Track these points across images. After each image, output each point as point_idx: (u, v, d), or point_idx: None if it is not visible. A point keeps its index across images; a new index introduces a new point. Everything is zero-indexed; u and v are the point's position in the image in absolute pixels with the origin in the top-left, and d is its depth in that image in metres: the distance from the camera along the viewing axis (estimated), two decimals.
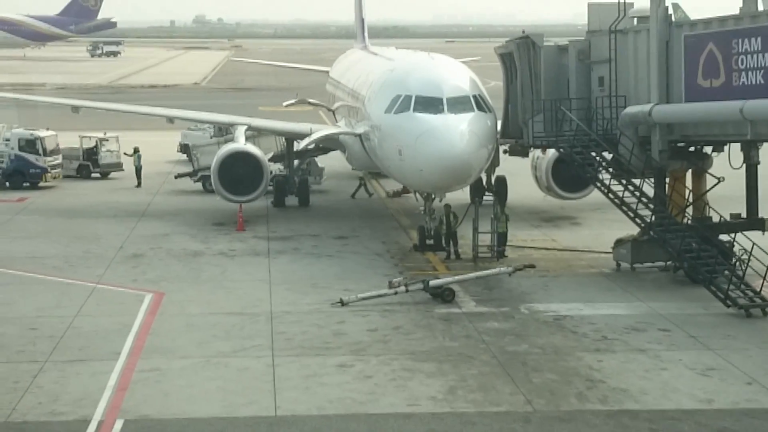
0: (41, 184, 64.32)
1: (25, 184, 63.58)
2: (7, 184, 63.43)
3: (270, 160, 55.91)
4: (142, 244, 48.37)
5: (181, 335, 34.61)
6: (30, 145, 63.89)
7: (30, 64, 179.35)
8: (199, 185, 62.29)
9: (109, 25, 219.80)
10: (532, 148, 48.80)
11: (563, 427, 26.67)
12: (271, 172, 54.54)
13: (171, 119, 73.15)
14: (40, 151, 63.96)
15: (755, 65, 38.02)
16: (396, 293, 38.63)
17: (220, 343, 33.81)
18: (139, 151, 67.90)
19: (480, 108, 44.32)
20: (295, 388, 29.48)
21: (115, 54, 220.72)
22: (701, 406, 28.22)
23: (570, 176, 49.62)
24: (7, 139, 65.05)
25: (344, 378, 30.31)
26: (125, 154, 70.20)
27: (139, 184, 67.01)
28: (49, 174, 64.39)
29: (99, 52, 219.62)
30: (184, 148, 68.81)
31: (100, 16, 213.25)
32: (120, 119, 77.13)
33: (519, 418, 27.37)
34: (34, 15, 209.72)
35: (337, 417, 27.39)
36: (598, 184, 44.49)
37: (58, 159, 66.27)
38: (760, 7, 39.22)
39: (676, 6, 41.89)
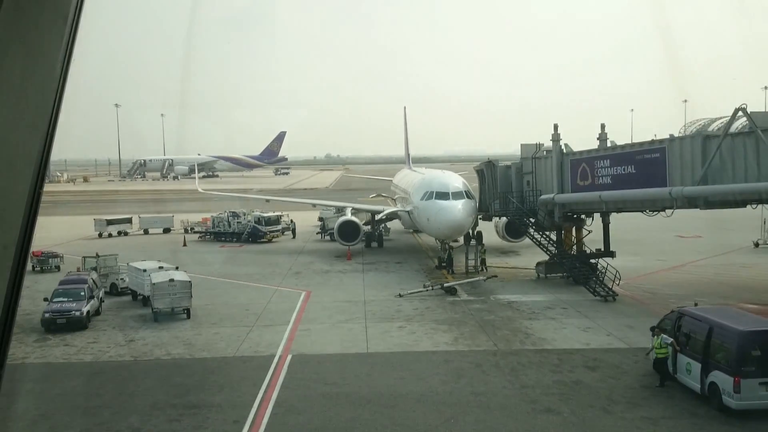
0: (273, 240, 63.20)
1: (258, 241, 62.20)
2: (250, 239, 62.07)
3: (364, 224, 56.19)
4: (300, 268, 48.47)
5: (319, 312, 34.60)
6: (258, 221, 62.97)
7: (244, 179, 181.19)
8: (327, 238, 62.35)
9: (284, 159, 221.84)
10: (494, 217, 48.73)
11: (513, 358, 26.48)
12: (363, 231, 54.79)
13: (314, 205, 74.08)
14: (263, 223, 62.78)
15: (606, 174, 37.88)
16: (428, 290, 38.51)
17: (339, 315, 33.77)
18: (293, 221, 67.51)
19: (468, 197, 44.29)
20: (377, 338, 29.50)
21: (286, 174, 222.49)
22: (584, 347, 27.94)
23: (514, 230, 49.44)
24: (242, 217, 63.99)
25: (401, 333, 30.25)
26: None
27: (294, 237, 65.86)
28: (268, 236, 62.62)
29: (279, 173, 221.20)
30: (320, 219, 69.05)
31: (280, 155, 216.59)
32: (289, 206, 77.75)
33: (490, 353, 27.21)
34: (246, 154, 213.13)
35: (399, 353, 27.41)
36: (529, 234, 44.31)
37: (277, 228, 64.28)
38: (609, 144, 39.19)
39: (566, 145, 41.91)
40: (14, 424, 20.37)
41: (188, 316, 33.74)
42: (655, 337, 23.57)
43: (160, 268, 36.66)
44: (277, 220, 64.95)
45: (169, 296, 33.29)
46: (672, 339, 23.06)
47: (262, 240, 62.19)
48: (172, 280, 33.75)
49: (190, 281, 34.34)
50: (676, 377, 23.03)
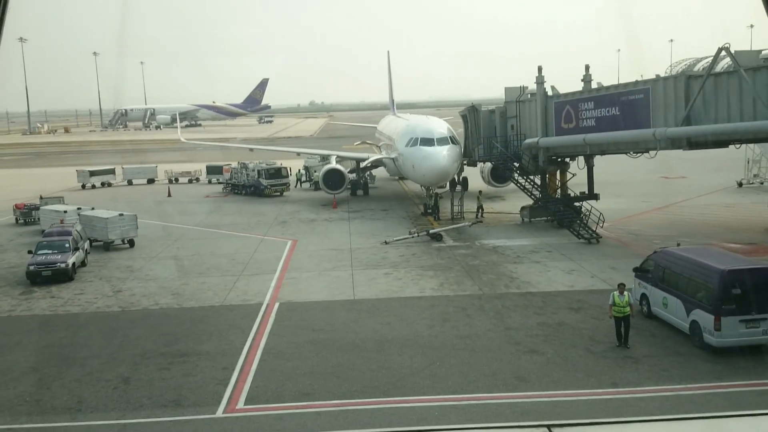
0: (285, 193, 58.71)
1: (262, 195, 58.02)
2: (255, 193, 58.23)
3: (349, 172, 55.88)
4: (286, 216, 48.46)
5: (306, 261, 34.77)
6: (259, 173, 58.61)
7: (227, 128, 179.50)
8: (313, 187, 61.92)
9: (267, 107, 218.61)
10: (478, 162, 48.67)
11: (498, 301, 26.83)
12: (349, 178, 54.56)
13: (299, 153, 73.66)
14: (264, 176, 58.06)
15: (590, 116, 37.86)
16: (413, 237, 38.69)
17: (326, 263, 33.97)
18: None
19: (453, 142, 44.17)
20: (363, 285, 29.74)
21: (270, 122, 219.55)
22: (568, 289, 28.36)
23: (499, 175, 49.39)
24: (253, 169, 58.98)
25: (388, 279, 30.51)
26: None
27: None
28: (267, 190, 57.48)
29: (262, 121, 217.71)
30: (305, 168, 68.35)
31: (263, 103, 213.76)
32: (273, 155, 77.18)
33: (475, 297, 27.54)
34: (229, 103, 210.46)
35: (385, 299, 27.67)
36: (513, 179, 44.38)
37: (283, 180, 58.90)
38: (594, 86, 39.10)
39: (553, 87, 41.73)
40: (2, 378, 20.54)
41: (132, 246, 38.75)
42: (622, 295, 21.69)
43: (79, 209, 42.12)
44: (280, 172, 59.85)
45: (119, 228, 38.45)
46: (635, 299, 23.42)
47: (275, 194, 58.21)
48: (121, 214, 38.95)
49: (135, 215, 39.66)
50: (652, 311, 23.72)
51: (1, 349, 23.04)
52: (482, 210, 45.20)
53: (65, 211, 41.45)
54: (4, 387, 19.75)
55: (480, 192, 47.23)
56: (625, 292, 21.86)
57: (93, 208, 42.38)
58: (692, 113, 32.21)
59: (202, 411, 17.89)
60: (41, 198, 50.63)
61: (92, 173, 67.54)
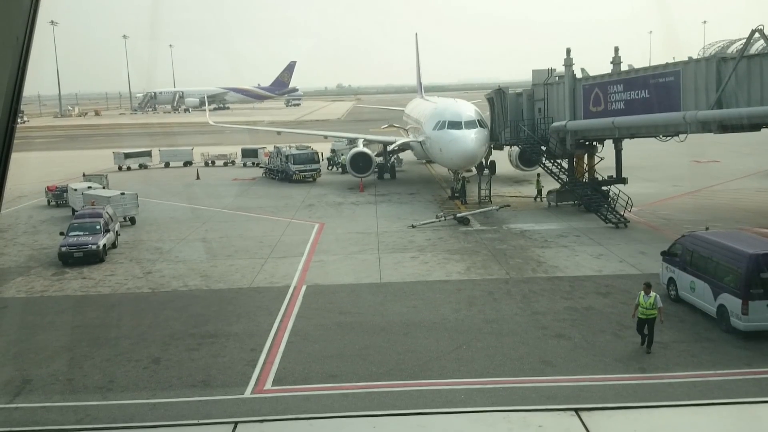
0: (312, 179, 56.90)
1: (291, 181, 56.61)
2: (285, 179, 56.91)
3: (376, 155, 55.66)
4: (313, 200, 48.47)
5: (333, 244, 34.84)
6: (288, 159, 57.24)
7: (254, 111, 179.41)
8: (339, 170, 61.88)
9: (295, 90, 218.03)
10: (504, 146, 48.28)
11: (525, 286, 26.72)
12: (376, 162, 54.41)
13: (326, 137, 73.56)
14: (291, 161, 56.52)
15: (619, 99, 37.40)
16: (440, 220, 38.61)
17: (353, 247, 34.02)
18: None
19: (481, 125, 43.87)
20: (390, 268, 29.76)
21: (298, 105, 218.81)
22: (596, 274, 28.13)
23: (527, 159, 49.05)
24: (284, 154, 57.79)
25: (414, 263, 30.50)
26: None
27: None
28: (295, 176, 55.93)
29: (290, 104, 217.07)
30: (332, 152, 68.26)
31: (291, 86, 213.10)
32: (300, 138, 77.13)
33: (502, 281, 27.43)
34: (257, 86, 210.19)
35: (412, 282, 27.67)
36: (541, 163, 44.02)
37: (312, 166, 57.12)
38: (623, 68, 38.62)
39: (583, 70, 41.31)
40: (35, 357, 20.96)
41: (133, 223, 40.55)
42: (648, 295, 20.17)
43: (89, 187, 44.15)
44: (311, 158, 57.97)
45: (121, 206, 40.04)
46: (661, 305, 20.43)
47: (308, 180, 56.84)
48: (123, 193, 40.97)
49: (136, 194, 41.67)
50: (680, 295, 23.57)
51: (34, 329, 23.49)
52: (541, 195, 44.92)
53: (75, 189, 43.95)
54: (37, 366, 20.16)
55: (538, 175, 46.58)
56: (652, 293, 20.13)
57: (104, 188, 45.83)
58: (724, 96, 31.67)
59: (231, 391, 18.11)
60: (84, 175, 52.66)
61: (127, 155, 67.99)
